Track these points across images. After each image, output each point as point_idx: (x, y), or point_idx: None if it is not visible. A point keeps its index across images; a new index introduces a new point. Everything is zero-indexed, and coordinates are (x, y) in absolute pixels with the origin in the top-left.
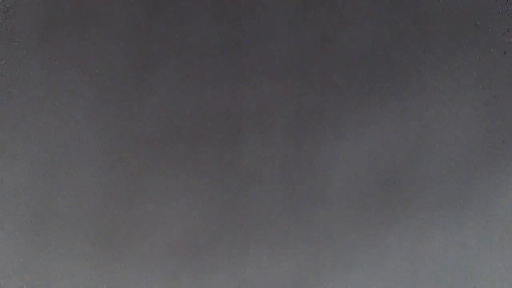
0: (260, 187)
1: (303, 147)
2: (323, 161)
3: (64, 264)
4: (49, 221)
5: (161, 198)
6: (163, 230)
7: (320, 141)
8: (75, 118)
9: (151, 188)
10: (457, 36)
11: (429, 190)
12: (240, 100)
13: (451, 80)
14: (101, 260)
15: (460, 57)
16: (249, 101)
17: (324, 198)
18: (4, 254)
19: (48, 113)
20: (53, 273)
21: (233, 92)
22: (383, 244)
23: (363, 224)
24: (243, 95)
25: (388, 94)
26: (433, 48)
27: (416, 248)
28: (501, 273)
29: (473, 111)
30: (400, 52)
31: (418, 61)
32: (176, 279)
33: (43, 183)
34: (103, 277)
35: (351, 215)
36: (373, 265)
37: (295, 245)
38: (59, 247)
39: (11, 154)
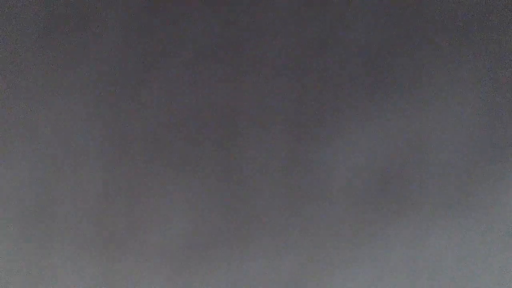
0: (260, 186)
1: (303, 145)
2: (323, 160)
3: (64, 263)
4: (49, 221)
5: (161, 197)
6: (163, 229)
7: (320, 140)
8: (75, 118)
9: (151, 188)
10: (457, 36)
11: (429, 189)
12: (240, 99)
13: (451, 80)
14: (101, 259)
15: (460, 57)
16: (249, 100)
17: (324, 196)
18: (4, 254)
19: (48, 113)
20: (53, 272)
21: (232, 91)
22: (383, 243)
23: (363, 223)
24: (243, 94)
25: (388, 94)
26: (433, 48)
27: (416, 247)
28: (501, 273)
29: (473, 111)
30: (400, 51)
31: (418, 61)
32: (176, 279)
33: (43, 183)
34: (103, 276)
35: (351, 214)
36: (373, 264)
37: (295, 244)
38: (59, 247)
39: (11, 154)
